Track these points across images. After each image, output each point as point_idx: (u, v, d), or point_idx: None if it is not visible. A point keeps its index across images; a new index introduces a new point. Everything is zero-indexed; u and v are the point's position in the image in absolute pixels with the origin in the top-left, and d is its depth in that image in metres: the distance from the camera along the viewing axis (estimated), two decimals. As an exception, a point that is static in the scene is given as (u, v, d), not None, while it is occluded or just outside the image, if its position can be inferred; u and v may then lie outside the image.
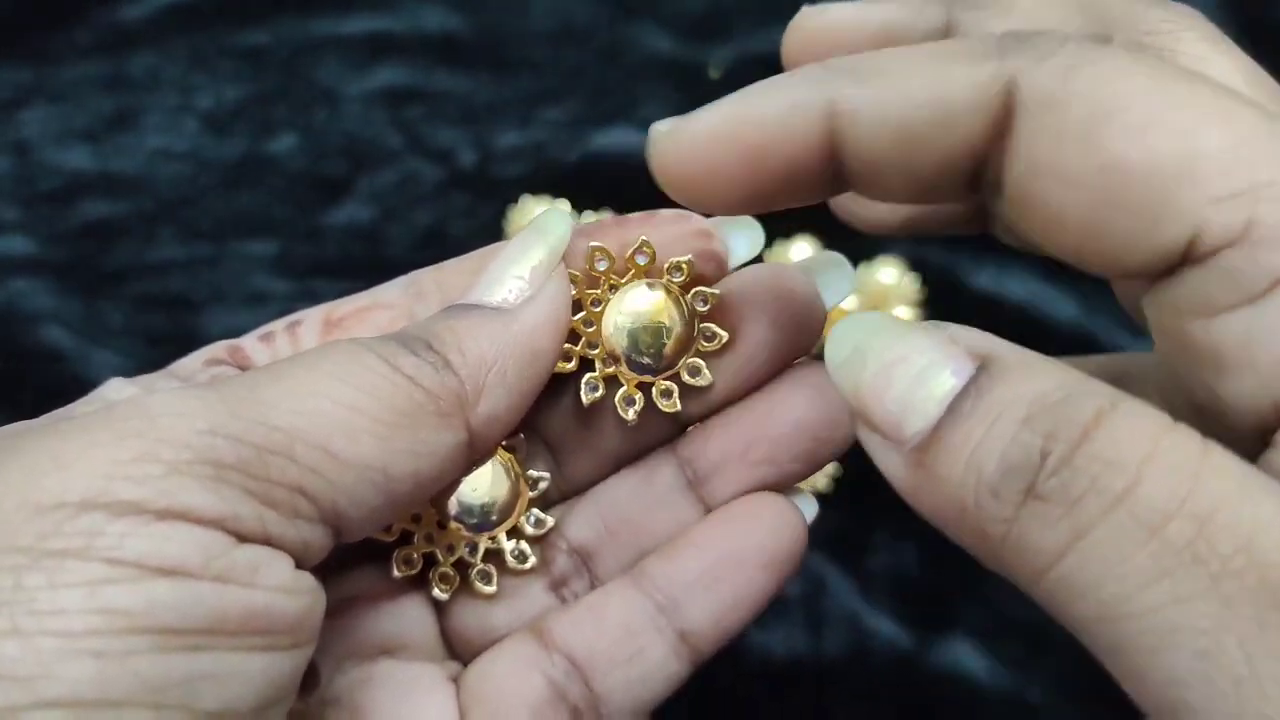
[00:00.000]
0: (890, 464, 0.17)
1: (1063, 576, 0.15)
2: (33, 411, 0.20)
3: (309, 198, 0.46)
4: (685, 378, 0.23)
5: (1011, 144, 0.18)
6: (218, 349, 0.23)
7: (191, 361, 0.23)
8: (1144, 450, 0.15)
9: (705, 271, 0.23)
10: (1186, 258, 0.17)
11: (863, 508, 0.39)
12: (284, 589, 0.18)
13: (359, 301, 0.24)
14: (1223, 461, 0.15)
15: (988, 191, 0.19)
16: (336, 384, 0.19)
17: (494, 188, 0.47)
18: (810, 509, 0.24)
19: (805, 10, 0.23)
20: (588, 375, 0.23)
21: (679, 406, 0.23)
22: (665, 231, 0.23)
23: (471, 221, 0.46)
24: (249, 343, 0.23)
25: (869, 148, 0.19)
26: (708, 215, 0.23)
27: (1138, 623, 0.14)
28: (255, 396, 0.18)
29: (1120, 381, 0.26)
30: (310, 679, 0.22)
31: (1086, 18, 0.23)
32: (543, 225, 0.22)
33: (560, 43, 0.50)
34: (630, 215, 0.24)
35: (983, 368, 0.16)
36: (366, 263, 0.45)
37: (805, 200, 0.21)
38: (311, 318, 0.23)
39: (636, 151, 0.47)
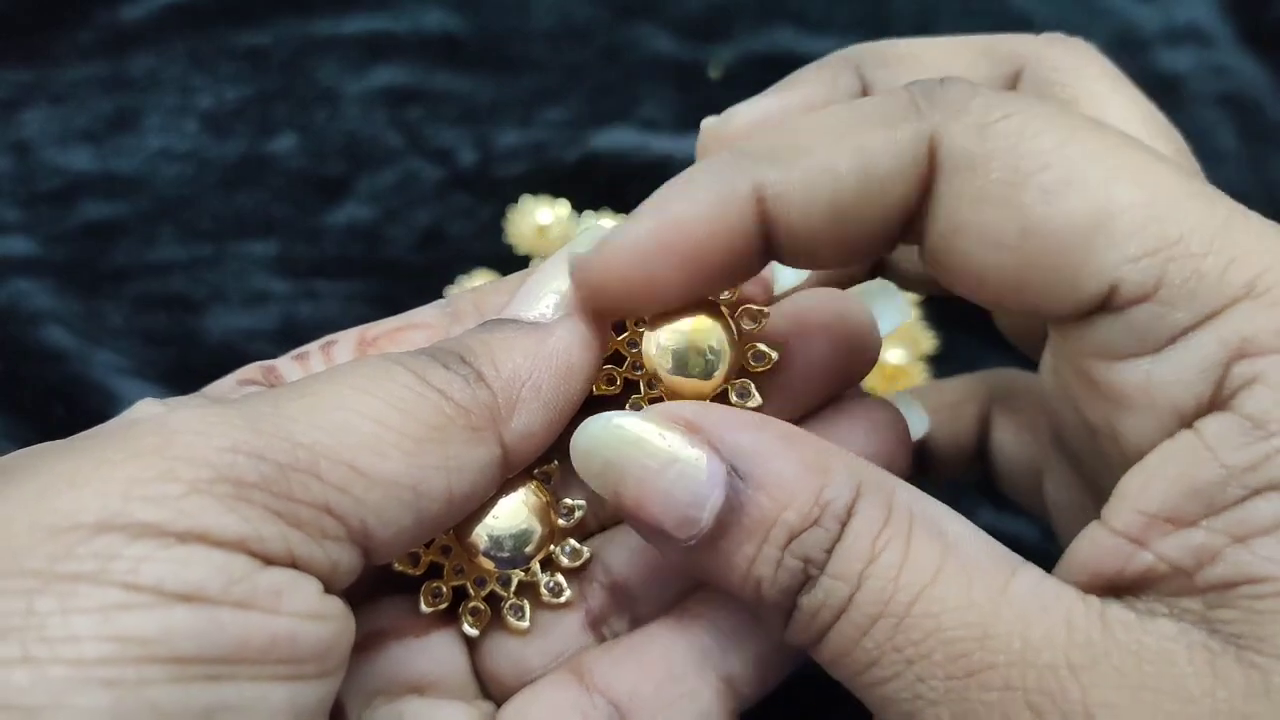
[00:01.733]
0: (667, 552, 0.20)
1: (819, 654, 0.19)
2: (33, 412, 0.20)
3: (309, 198, 0.46)
4: (734, 399, 0.22)
5: (932, 203, 0.19)
6: (252, 370, 0.22)
7: (225, 383, 0.22)
8: (865, 556, 0.18)
9: (751, 295, 0.23)
10: (1101, 308, 0.18)
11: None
12: (310, 614, 0.17)
13: (395, 322, 0.23)
14: (923, 552, 0.18)
15: (905, 238, 0.20)
16: (363, 398, 0.18)
17: (494, 188, 0.47)
18: None
19: (709, 121, 0.22)
20: (633, 398, 0.22)
21: (756, 402, 0.22)
22: None
23: (472, 221, 0.46)
24: (284, 363, 0.23)
25: (801, 226, 0.19)
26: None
27: (867, 693, 0.18)
28: (278, 412, 0.18)
29: (1009, 396, 0.29)
30: (337, 717, 0.21)
31: (991, 60, 0.23)
32: (581, 243, 0.22)
33: (560, 43, 0.50)
34: None
35: (736, 473, 0.18)
36: (367, 263, 0.45)
37: (741, 281, 0.21)
38: (346, 338, 0.23)
39: (636, 151, 0.48)
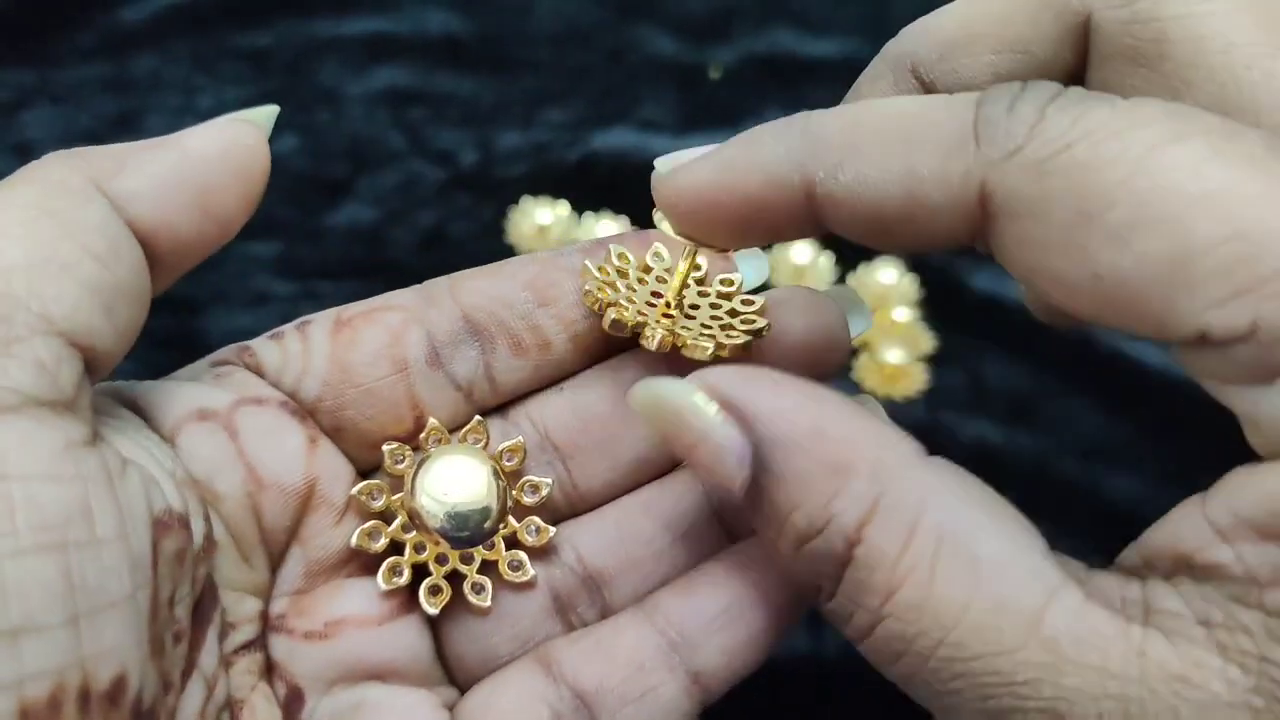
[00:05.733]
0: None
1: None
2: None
3: (311, 199, 0.46)
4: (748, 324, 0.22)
5: (995, 243, 0.18)
6: (226, 351, 0.23)
7: (199, 365, 0.23)
8: (883, 590, 0.17)
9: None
10: (1199, 343, 0.16)
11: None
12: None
13: (371, 303, 0.23)
14: (948, 586, 0.17)
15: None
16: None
17: (495, 188, 0.47)
18: None
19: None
20: (652, 332, 0.22)
21: (762, 323, 0.22)
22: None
23: (473, 222, 0.46)
24: (258, 342, 0.23)
25: (848, 223, 0.19)
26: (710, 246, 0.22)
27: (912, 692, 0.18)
28: None
29: None
30: (295, 704, 0.21)
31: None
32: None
33: (562, 44, 0.50)
34: (649, 230, 0.24)
35: (757, 461, 0.18)
36: (368, 264, 0.45)
37: (802, 237, 0.21)
38: (322, 318, 0.23)
39: (637, 152, 0.48)
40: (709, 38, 0.50)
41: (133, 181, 0.20)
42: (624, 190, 0.46)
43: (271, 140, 0.22)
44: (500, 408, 0.24)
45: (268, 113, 0.22)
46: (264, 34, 0.50)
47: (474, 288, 0.23)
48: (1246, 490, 0.16)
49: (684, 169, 0.20)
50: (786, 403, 0.18)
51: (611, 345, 0.24)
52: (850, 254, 0.44)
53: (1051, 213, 0.16)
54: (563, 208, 0.46)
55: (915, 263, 0.44)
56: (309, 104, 0.48)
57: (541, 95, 0.49)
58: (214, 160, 0.20)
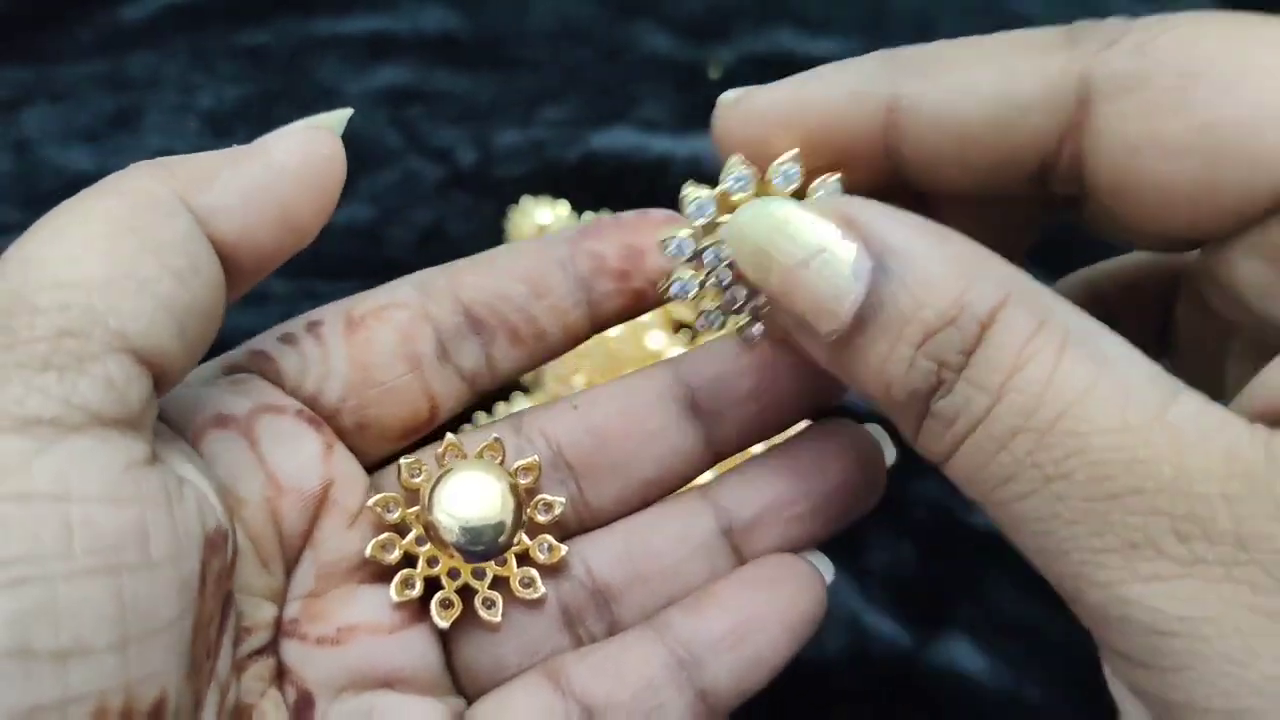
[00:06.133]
0: (811, 348, 0.19)
1: (951, 469, 0.18)
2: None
3: (309, 197, 0.46)
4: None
5: (1095, 130, 0.18)
6: (239, 357, 0.23)
7: (209, 367, 0.22)
8: (1008, 366, 0.17)
9: None
10: None
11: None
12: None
13: (378, 299, 0.23)
14: (1074, 368, 0.17)
15: (1059, 184, 0.20)
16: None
17: (494, 187, 0.47)
18: (828, 570, 0.23)
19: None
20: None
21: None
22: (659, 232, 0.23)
23: (471, 221, 0.46)
24: (274, 347, 0.23)
25: (929, 142, 0.19)
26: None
27: (999, 510, 0.17)
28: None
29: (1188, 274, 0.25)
30: (305, 710, 0.21)
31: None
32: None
33: (560, 43, 0.50)
34: (624, 214, 0.24)
35: (880, 268, 0.17)
36: (366, 263, 0.45)
37: (866, 171, 0.21)
38: (332, 315, 0.23)
39: (636, 151, 0.48)
40: (708, 37, 0.50)
41: (219, 196, 0.20)
42: (624, 190, 0.46)
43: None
44: (514, 423, 0.24)
45: (340, 117, 0.23)
46: (262, 32, 0.50)
47: (472, 283, 0.23)
48: None
49: (758, 91, 0.20)
50: (903, 216, 0.18)
51: (592, 327, 0.24)
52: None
53: (1157, 79, 0.18)
54: (562, 207, 0.46)
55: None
56: (307, 102, 0.48)
57: (540, 94, 0.49)
58: (295, 172, 0.21)
